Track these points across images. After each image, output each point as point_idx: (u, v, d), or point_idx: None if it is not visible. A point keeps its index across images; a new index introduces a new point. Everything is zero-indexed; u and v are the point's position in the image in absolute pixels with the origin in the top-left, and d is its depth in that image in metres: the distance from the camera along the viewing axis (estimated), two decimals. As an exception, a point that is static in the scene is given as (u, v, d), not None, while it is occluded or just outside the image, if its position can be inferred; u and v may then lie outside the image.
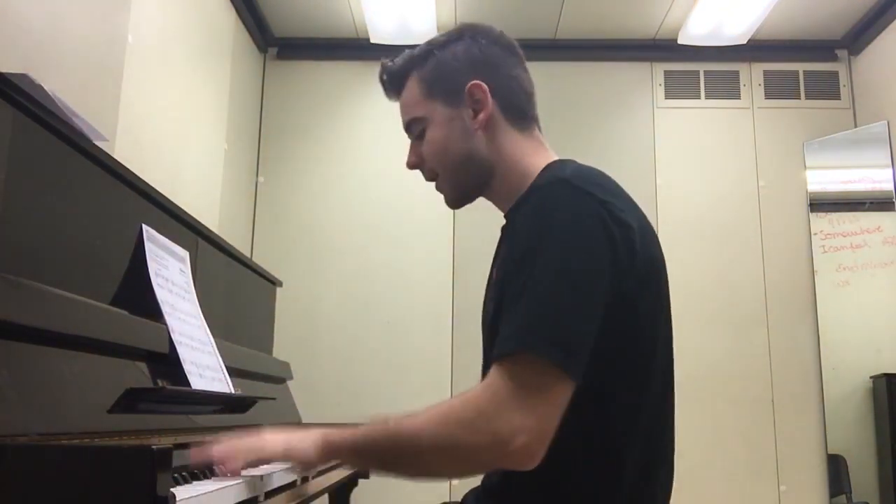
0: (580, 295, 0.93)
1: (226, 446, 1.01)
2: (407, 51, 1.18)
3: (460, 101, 1.12)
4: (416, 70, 1.16)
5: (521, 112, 1.15)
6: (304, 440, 1.00)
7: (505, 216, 1.17)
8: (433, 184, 1.22)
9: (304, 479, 1.35)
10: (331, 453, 1.00)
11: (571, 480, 1.00)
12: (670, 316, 1.10)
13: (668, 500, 1.09)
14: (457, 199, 1.19)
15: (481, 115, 1.11)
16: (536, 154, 1.13)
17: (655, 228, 1.10)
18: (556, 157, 1.14)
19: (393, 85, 1.19)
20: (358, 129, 3.54)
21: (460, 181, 1.16)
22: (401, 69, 1.17)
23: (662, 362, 1.07)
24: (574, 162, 1.10)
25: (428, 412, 0.94)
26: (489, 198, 1.18)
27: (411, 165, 1.20)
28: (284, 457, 1.02)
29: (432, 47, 1.16)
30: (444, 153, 1.14)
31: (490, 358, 0.95)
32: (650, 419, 1.05)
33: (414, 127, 1.17)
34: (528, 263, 0.94)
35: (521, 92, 1.16)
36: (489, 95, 1.12)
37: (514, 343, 0.90)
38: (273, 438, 1.02)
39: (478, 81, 1.11)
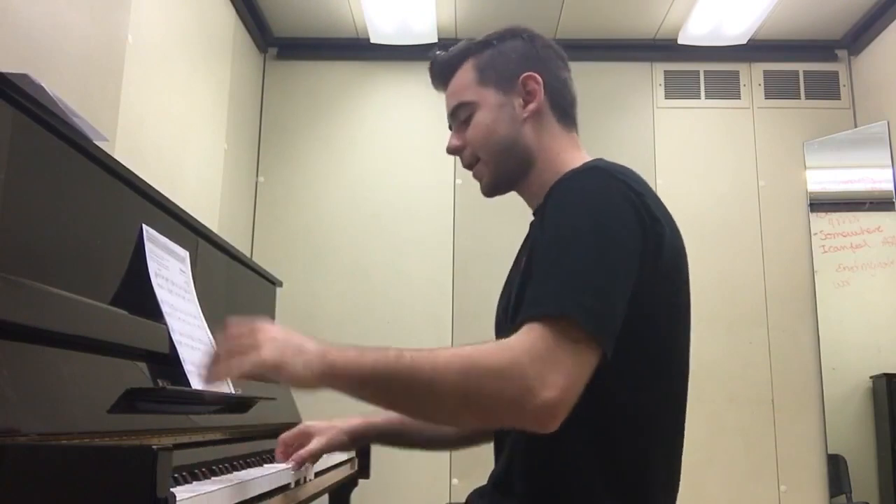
0: (615, 271, 0.94)
1: (222, 348, 0.96)
2: (463, 41, 1.22)
3: (513, 89, 1.16)
4: (472, 57, 1.20)
5: (565, 111, 1.19)
6: (298, 356, 0.93)
7: (534, 213, 1.19)
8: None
9: (302, 481, 1.35)
10: (330, 379, 0.94)
11: (574, 476, 1.00)
12: (689, 322, 1.12)
13: (674, 500, 1.09)
14: (493, 185, 1.21)
15: (532, 105, 1.16)
16: (574, 152, 1.17)
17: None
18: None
19: (444, 72, 1.22)
20: (358, 129, 3.54)
21: (501, 167, 1.18)
22: (456, 57, 1.21)
23: (678, 364, 1.08)
24: (610, 161, 1.12)
25: (450, 352, 0.91)
26: (521, 190, 1.21)
27: (452, 149, 1.22)
28: (271, 374, 0.94)
29: (491, 38, 1.21)
30: (490, 136, 1.17)
31: (518, 319, 0.93)
32: (660, 420, 1.05)
33: (461, 112, 1.19)
34: (565, 235, 0.96)
35: (568, 93, 1.21)
36: (542, 88, 1.16)
37: (553, 304, 0.90)
38: (266, 349, 0.94)
39: (533, 73, 1.16)
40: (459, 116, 1.20)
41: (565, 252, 0.94)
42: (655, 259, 0.99)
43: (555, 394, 0.86)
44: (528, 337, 0.89)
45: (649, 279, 0.98)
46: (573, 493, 1.01)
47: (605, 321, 0.91)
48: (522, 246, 1.19)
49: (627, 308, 0.95)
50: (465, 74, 1.19)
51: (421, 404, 0.95)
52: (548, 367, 0.86)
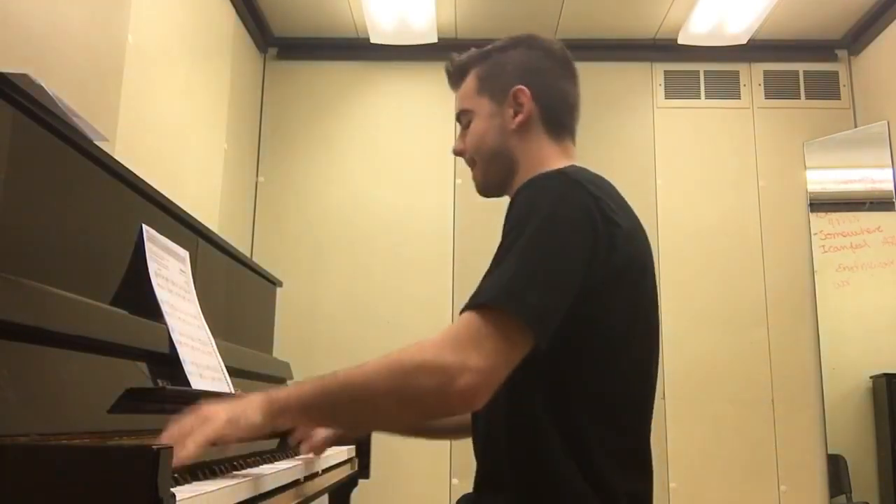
0: (555, 268, 1.00)
1: (171, 434, 0.94)
2: (473, 49, 1.29)
3: (504, 100, 1.23)
4: (476, 67, 1.27)
5: (558, 121, 1.24)
6: (247, 407, 0.97)
7: None
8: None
9: (307, 479, 1.35)
10: (278, 413, 0.98)
11: (546, 467, 1.03)
12: (656, 318, 1.15)
13: (649, 493, 1.10)
14: (484, 189, 1.30)
15: (519, 117, 1.21)
16: (559, 161, 1.20)
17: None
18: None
19: (455, 77, 1.31)
20: (358, 129, 3.54)
21: (489, 173, 1.26)
22: (464, 64, 1.29)
23: (640, 359, 1.11)
24: (581, 167, 1.17)
25: (379, 359, 0.97)
26: (510, 195, 1.24)
27: (456, 151, 1.31)
28: (230, 430, 0.95)
29: (493, 49, 1.27)
30: (481, 144, 1.25)
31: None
32: (625, 413, 1.08)
33: (463, 117, 1.28)
34: (513, 236, 1.01)
35: (563, 103, 1.25)
36: (531, 100, 1.21)
37: (486, 295, 0.96)
38: (215, 413, 0.96)
39: (522, 86, 1.21)
40: (462, 121, 1.29)
41: (513, 249, 1.00)
42: (608, 258, 1.03)
43: (473, 376, 0.91)
44: (456, 326, 0.95)
45: (604, 276, 1.03)
46: (547, 480, 1.03)
47: (538, 311, 0.96)
48: None
49: (584, 303, 1.00)
50: (470, 83, 1.27)
51: (362, 413, 1.02)
52: (468, 353, 0.92)
